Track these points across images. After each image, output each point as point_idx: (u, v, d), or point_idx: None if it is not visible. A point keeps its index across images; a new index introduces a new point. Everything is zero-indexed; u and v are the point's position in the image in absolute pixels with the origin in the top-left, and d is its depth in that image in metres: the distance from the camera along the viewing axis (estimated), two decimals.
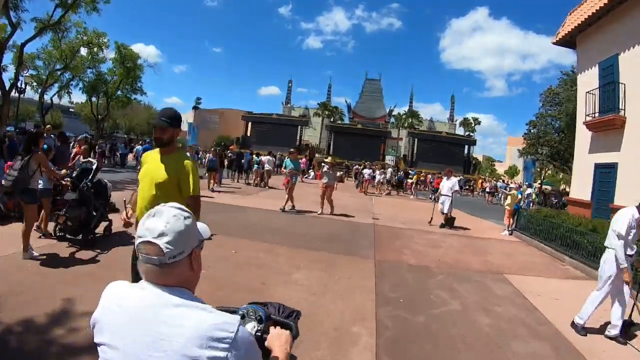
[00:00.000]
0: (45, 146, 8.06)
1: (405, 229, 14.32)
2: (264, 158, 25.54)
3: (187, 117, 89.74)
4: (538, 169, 59.47)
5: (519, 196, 16.88)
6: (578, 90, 19.45)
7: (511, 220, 15.91)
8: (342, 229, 12.89)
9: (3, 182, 7.17)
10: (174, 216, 1.52)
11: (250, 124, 72.60)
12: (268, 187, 23.96)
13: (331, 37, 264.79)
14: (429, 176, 40.16)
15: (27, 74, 33.73)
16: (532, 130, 43.08)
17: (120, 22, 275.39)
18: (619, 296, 6.01)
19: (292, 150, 16.87)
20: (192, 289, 1.59)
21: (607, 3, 15.44)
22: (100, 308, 1.57)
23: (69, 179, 9.20)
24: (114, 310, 1.51)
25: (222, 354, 1.35)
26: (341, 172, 39.86)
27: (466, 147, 67.89)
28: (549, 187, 61.33)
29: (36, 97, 41.82)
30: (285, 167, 15.79)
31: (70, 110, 76.61)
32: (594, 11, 16.22)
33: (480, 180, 53.01)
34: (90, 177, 8.78)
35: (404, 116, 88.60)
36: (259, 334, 1.78)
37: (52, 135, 14.96)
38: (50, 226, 8.47)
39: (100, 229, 8.81)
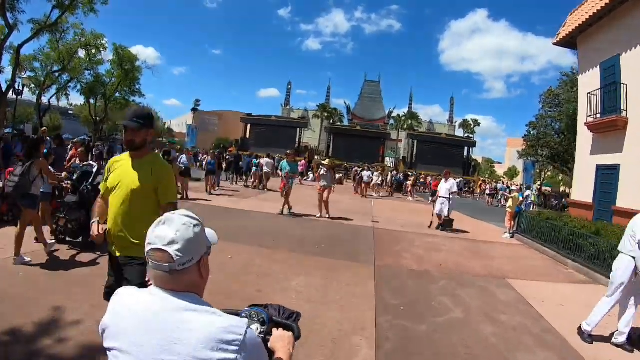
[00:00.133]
0: (45, 151, 8.07)
1: (405, 232, 14.14)
2: (262, 160, 25.26)
3: (186, 119, 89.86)
4: (538, 171, 59.38)
5: (520, 198, 16.71)
6: (579, 91, 19.28)
7: (512, 222, 15.71)
8: (341, 233, 12.67)
9: (5, 188, 7.30)
10: (184, 224, 1.55)
11: (249, 126, 72.59)
12: (267, 190, 23.72)
13: (330, 39, 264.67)
14: (429, 178, 39.97)
15: (25, 76, 33.64)
16: (532, 132, 42.88)
17: (119, 25, 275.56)
18: (628, 303, 5.81)
19: (288, 152, 16.58)
20: (201, 293, 1.61)
21: (608, 3, 15.26)
22: (110, 314, 1.59)
23: (69, 181, 9.05)
24: (124, 315, 1.53)
25: (232, 355, 1.39)
26: (340, 174, 39.70)
27: (466, 148, 67.93)
28: (548, 189, 61.31)
29: (34, 99, 41.73)
30: (281, 170, 15.58)
31: (70, 112, 76.38)
32: (595, 11, 16.04)
33: (479, 182, 52.84)
34: (90, 179, 8.78)
35: (403, 118, 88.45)
36: (262, 335, 1.78)
37: (48, 138, 14.84)
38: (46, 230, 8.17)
39: None
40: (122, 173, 3.66)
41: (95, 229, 3.67)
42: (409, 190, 33.30)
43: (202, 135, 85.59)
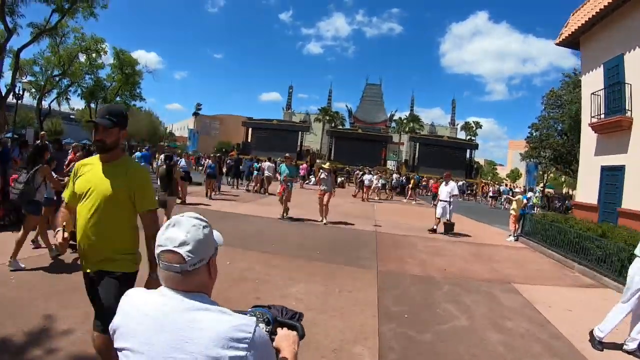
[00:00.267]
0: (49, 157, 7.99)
1: (408, 236, 13.90)
2: (264, 164, 25.08)
3: (188, 124, 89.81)
4: (540, 172, 59.15)
5: (525, 201, 16.52)
6: (582, 91, 19.11)
7: (517, 225, 15.50)
8: (342, 238, 12.47)
9: (10, 195, 7.38)
10: (194, 226, 1.58)
11: (250, 129, 72.42)
12: (268, 194, 23.47)
13: (331, 43, 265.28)
14: (431, 181, 39.78)
15: (25, 80, 33.53)
16: (534, 134, 42.64)
17: (121, 30, 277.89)
18: None
19: (287, 155, 16.30)
20: (209, 293, 1.65)
21: (611, 2, 15.12)
22: (121, 315, 1.62)
23: None
24: (135, 316, 1.56)
25: (242, 353, 1.42)
26: (342, 178, 39.52)
27: (468, 151, 67.71)
28: (551, 191, 61.09)
29: (35, 103, 41.61)
30: (280, 173, 15.36)
31: (71, 117, 76.31)
32: (598, 10, 15.89)
33: (481, 185, 52.59)
34: None
35: (405, 121, 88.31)
36: (268, 335, 1.74)
37: (47, 142, 14.71)
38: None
39: None
40: (91, 179, 3.25)
41: (60, 237, 3.20)
42: (409, 193, 33.06)
43: (204, 140, 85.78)
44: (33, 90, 39.83)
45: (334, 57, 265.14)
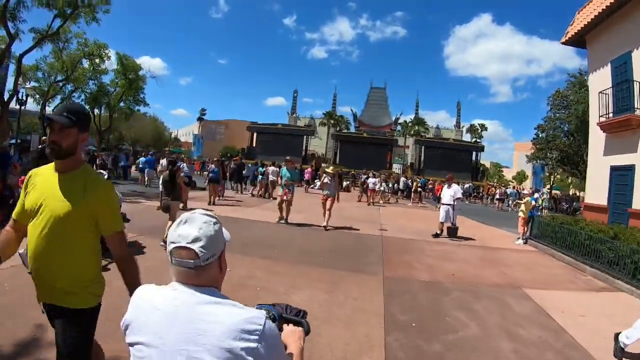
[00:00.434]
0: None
1: (415, 240, 13.65)
2: (269, 169, 24.81)
3: (193, 129, 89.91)
4: (547, 174, 58.80)
5: (533, 203, 16.24)
6: (590, 90, 18.90)
7: (525, 228, 15.20)
8: (347, 242, 12.20)
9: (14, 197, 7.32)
10: (205, 222, 1.63)
11: (255, 134, 72.27)
12: (272, 198, 23.13)
13: (336, 47, 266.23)
14: (436, 184, 39.52)
15: (29, 86, 33.49)
16: (540, 135, 42.32)
17: (126, 36, 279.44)
18: None
19: (288, 158, 15.84)
20: (220, 287, 1.70)
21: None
22: (133, 310, 1.66)
23: None
24: (148, 310, 1.60)
25: (253, 344, 1.47)
26: (348, 182, 39.29)
27: (474, 153, 67.30)
28: (558, 192, 60.73)
29: (39, 109, 41.55)
30: (281, 177, 15.02)
31: None
32: (604, 8, 15.66)
33: (487, 187, 52.21)
34: None
35: (410, 124, 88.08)
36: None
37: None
38: None
39: None
40: (44, 192, 2.66)
41: None
42: (411, 196, 32.79)
43: (209, 145, 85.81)
44: (37, 96, 40.09)
45: (339, 61, 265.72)
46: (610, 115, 15.88)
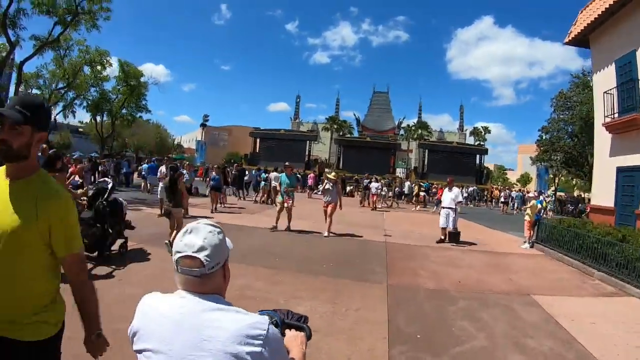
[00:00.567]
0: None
1: (419, 246, 13.41)
2: (271, 175, 24.55)
3: (196, 135, 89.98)
4: (551, 176, 58.53)
5: (539, 206, 16.01)
6: (594, 90, 18.67)
7: (531, 231, 14.97)
8: (350, 249, 11.95)
9: None
10: (210, 232, 1.67)
11: (258, 140, 72.19)
12: (275, 205, 22.96)
13: (338, 52, 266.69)
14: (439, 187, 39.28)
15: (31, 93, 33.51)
16: (544, 137, 42.10)
17: (129, 43, 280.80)
18: None
19: (287, 164, 15.49)
20: (224, 294, 1.73)
21: None
22: (140, 318, 1.67)
23: (85, 198, 9.31)
24: (155, 318, 1.62)
25: (258, 349, 1.51)
26: (351, 187, 39.11)
27: (477, 156, 67.08)
28: (562, 194, 60.46)
29: None
30: (280, 184, 14.67)
31: (80, 130, 76.36)
32: (607, 6, 15.44)
33: (491, 190, 51.88)
34: (105, 195, 9.04)
35: (413, 128, 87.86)
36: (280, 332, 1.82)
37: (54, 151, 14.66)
38: None
39: (115, 246, 9.14)
40: None
41: None
42: (413, 200, 32.56)
43: (212, 151, 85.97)
44: None
45: (341, 66, 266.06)
46: (616, 115, 15.67)
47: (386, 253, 11.76)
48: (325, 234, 13.79)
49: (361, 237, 14.18)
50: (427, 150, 69.91)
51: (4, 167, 2.19)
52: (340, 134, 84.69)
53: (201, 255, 1.60)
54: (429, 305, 7.30)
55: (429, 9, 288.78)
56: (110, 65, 41.29)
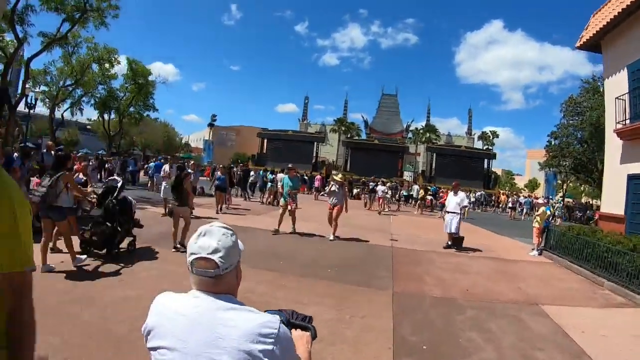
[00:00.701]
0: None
1: (426, 251, 13.22)
2: (278, 176, 24.36)
3: (204, 135, 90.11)
4: (560, 182, 58.16)
5: (548, 212, 15.80)
6: (605, 96, 18.41)
7: (540, 238, 14.76)
8: (356, 254, 11.76)
9: (32, 198, 7.49)
10: (223, 234, 1.74)
11: (265, 140, 72.11)
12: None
13: (347, 54, 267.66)
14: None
15: (38, 90, 33.56)
16: (553, 142, 41.78)
17: (139, 42, 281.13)
18: None
19: (290, 166, 15.15)
20: (236, 294, 1.79)
21: (633, 1, 14.42)
22: (154, 316, 1.73)
23: (95, 196, 9.62)
24: (171, 316, 1.68)
25: (269, 347, 1.58)
26: (358, 189, 38.93)
27: (485, 161, 66.76)
28: (570, 200, 60.09)
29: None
30: (283, 186, 14.43)
31: (88, 127, 76.59)
32: (620, 11, 15.20)
33: (498, 194, 51.51)
34: (115, 194, 9.20)
35: (421, 131, 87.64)
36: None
37: (52, 152, 14.78)
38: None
39: (124, 244, 9.24)
40: None
41: None
42: (417, 204, 32.30)
43: (220, 151, 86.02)
44: (47, 100, 40.29)
45: (350, 68, 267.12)
46: (627, 121, 15.38)
47: (392, 258, 11.57)
48: (331, 237, 13.60)
49: (367, 241, 13.94)
50: (435, 154, 69.67)
51: None
52: (348, 136, 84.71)
53: (215, 257, 1.66)
54: (435, 313, 7.13)
55: (438, 12, 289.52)
56: (119, 63, 41.47)
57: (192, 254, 1.69)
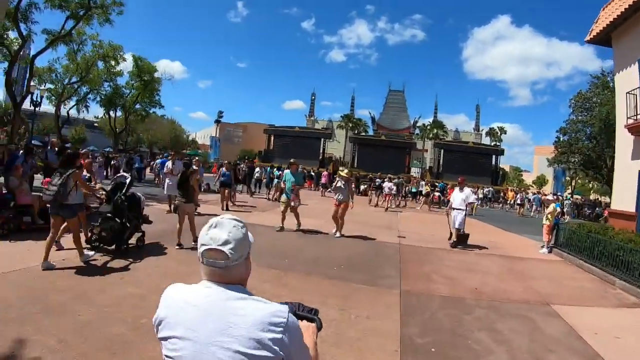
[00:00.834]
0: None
1: (434, 248, 13.02)
2: (285, 172, 24.30)
3: (212, 131, 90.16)
4: (568, 178, 57.85)
5: (558, 209, 15.56)
6: (616, 91, 18.16)
7: (550, 236, 14.52)
8: (363, 251, 11.57)
9: (43, 196, 7.85)
10: (234, 226, 1.75)
11: (272, 137, 72.16)
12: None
13: (354, 50, 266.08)
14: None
15: (44, 88, 33.59)
16: (562, 138, 41.44)
17: (145, 40, 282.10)
18: None
19: (292, 161, 15.00)
20: (245, 285, 1.81)
21: None
22: (165, 307, 1.75)
23: (103, 192, 9.75)
24: (183, 307, 1.69)
25: (278, 335, 1.59)
26: (365, 186, 38.74)
27: (493, 157, 66.63)
28: (579, 197, 59.76)
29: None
30: (285, 181, 14.13)
31: (95, 125, 76.72)
32: (631, 3, 14.94)
33: (506, 191, 51.20)
34: (124, 190, 9.28)
35: (428, 127, 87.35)
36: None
37: (56, 149, 14.92)
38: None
39: (133, 240, 9.33)
40: None
41: None
42: (422, 200, 32.05)
43: (227, 147, 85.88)
44: (53, 97, 40.31)
45: (357, 64, 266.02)
46: (639, 116, 15.16)
47: (400, 256, 11.38)
48: (337, 234, 13.42)
49: (374, 239, 13.72)
50: (442, 150, 69.69)
51: None
52: (355, 132, 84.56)
53: (226, 249, 1.67)
54: (444, 314, 6.90)
55: (445, 8, 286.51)
56: (124, 60, 41.53)
57: (203, 244, 1.72)
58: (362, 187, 38.59)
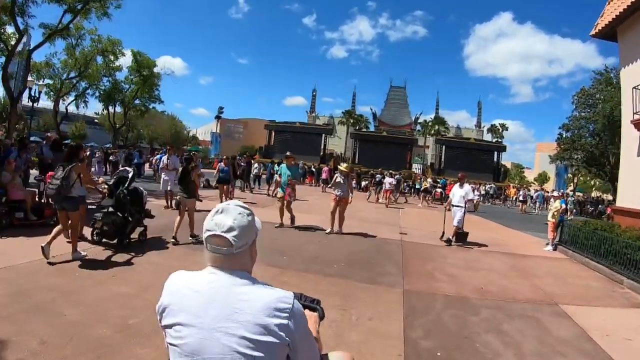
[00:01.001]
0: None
1: (437, 245, 12.79)
2: None
3: (212, 127, 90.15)
4: (571, 175, 57.61)
5: (563, 206, 15.32)
6: (622, 86, 17.85)
7: (555, 233, 14.28)
8: (364, 248, 11.32)
9: (47, 190, 8.04)
10: (240, 213, 1.79)
11: (273, 133, 72.01)
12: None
13: (356, 47, 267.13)
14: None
15: (42, 83, 33.45)
16: (564, 134, 41.15)
17: (147, 36, 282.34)
18: None
19: (288, 154, 14.59)
20: (250, 271, 1.85)
21: None
22: (168, 294, 1.77)
23: (106, 186, 9.58)
24: (187, 293, 1.72)
25: (284, 321, 1.63)
26: (366, 182, 38.55)
27: (495, 153, 66.42)
28: (580, 194, 59.59)
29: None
30: (281, 175, 13.69)
31: (95, 120, 76.56)
32: None
33: (508, 187, 50.95)
34: (126, 184, 9.30)
35: (430, 123, 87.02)
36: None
37: (49, 144, 14.60)
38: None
39: (135, 234, 9.36)
40: None
41: None
42: (421, 196, 31.83)
43: (228, 143, 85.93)
44: (51, 92, 40.10)
45: (358, 60, 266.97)
46: None
47: (402, 253, 11.13)
48: (336, 229, 13.15)
49: (375, 236, 13.42)
50: (444, 146, 69.54)
51: None
52: (357, 128, 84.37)
53: (229, 236, 1.69)
54: (449, 315, 6.62)
55: (447, 4, 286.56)
56: (123, 54, 41.38)
57: (207, 230, 1.74)
58: (363, 184, 38.43)
